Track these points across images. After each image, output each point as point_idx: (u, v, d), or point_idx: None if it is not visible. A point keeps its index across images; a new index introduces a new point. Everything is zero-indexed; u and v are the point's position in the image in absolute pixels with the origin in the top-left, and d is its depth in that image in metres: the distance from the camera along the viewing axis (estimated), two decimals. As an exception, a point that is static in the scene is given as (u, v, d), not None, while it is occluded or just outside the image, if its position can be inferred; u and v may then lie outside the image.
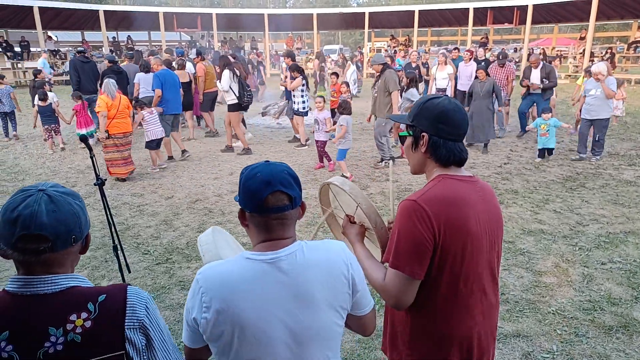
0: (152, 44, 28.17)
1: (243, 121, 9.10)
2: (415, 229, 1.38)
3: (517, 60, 20.71)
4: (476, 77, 8.20)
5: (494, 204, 1.55)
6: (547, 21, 25.80)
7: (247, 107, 8.29)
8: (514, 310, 3.41)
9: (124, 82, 9.22)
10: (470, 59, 9.87)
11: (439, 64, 10.20)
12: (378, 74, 7.00)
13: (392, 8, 25.46)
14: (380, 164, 7.23)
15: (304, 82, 8.19)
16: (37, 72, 10.27)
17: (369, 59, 19.97)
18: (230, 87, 7.68)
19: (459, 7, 23.49)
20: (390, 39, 26.83)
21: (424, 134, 1.50)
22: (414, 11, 23.62)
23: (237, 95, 7.73)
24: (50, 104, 8.55)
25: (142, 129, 7.34)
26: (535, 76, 8.50)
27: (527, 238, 4.64)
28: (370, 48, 27.34)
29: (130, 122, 6.64)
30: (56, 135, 8.68)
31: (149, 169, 7.24)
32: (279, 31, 29.99)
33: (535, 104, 8.78)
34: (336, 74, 9.21)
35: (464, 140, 1.64)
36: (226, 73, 7.66)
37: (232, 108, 7.87)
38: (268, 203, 1.20)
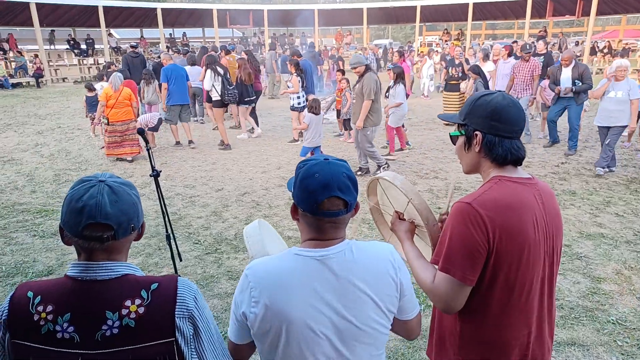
0: (206, 40, 29.01)
1: (256, 118, 9.54)
2: (469, 233, 1.33)
3: (578, 54, 19.56)
4: None
5: (553, 208, 1.46)
6: (615, 12, 24.07)
7: (250, 102, 8.96)
8: (569, 317, 3.24)
9: None
10: (509, 55, 8.96)
11: (479, 60, 9.76)
12: (359, 76, 6.30)
13: (444, 1, 24.66)
14: (372, 172, 6.74)
15: (299, 79, 8.58)
16: (109, 63, 11.24)
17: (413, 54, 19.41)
18: (213, 85, 8.22)
19: (517, -2, 22.45)
20: (444, 33, 26.12)
21: (477, 132, 1.43)
22: (467, 3, 22.86)
23: (219, 93, 8.25)
24: (96, 94, 9.28)
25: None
26: (566, 76, 7.10)
27: (585, 242, 4.39)
28: (421, 42, 26.75)
29: (132, 111, 7.43)
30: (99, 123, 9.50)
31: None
32: (329, 26, 29.99)
33: (566, 109, 7.31)
34: (342, 71, 8.96)
35: None
36: (208, 73, 8.26)
37: (216, 104, 8.46)
38: (323, 207, 1.18)
